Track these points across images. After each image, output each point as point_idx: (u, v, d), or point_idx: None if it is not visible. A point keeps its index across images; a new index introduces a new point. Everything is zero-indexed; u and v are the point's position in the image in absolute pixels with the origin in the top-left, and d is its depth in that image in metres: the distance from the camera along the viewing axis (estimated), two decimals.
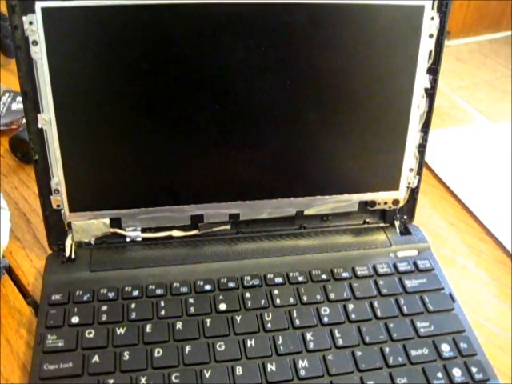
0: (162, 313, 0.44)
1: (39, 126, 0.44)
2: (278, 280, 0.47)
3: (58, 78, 0.42)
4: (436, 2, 0.46)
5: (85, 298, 0.44)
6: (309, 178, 0.50)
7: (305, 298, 0.45)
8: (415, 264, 0.49)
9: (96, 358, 0.40)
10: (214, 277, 0.47)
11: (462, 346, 0.43)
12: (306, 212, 0.51)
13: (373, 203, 0.52)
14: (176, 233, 0.50)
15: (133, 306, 0.44)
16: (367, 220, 0.53)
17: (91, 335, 0.42)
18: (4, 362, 0.42)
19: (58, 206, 0.46)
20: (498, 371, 0.42)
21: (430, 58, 0.47)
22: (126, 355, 0.41)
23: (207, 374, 0.40)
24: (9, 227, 0.50)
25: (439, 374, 0.41)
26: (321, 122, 0.47)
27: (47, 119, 0.43)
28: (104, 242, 0.49)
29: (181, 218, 0.49)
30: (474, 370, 0.41)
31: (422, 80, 0.47)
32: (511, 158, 0.65)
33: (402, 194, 0.52)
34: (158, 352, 0.41)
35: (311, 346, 0.42)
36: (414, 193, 0.52)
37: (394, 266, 0.49)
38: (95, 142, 0.45)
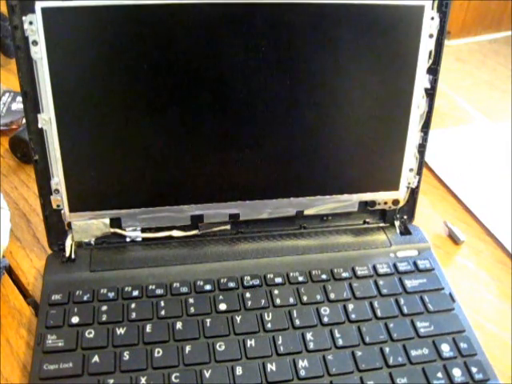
0: (162, 313, 0.44)
1: (39, 126, 0.44)
2: (278, 280, 0.47)
3: (58, 78, 0.42)
4: (436, 2, 0.46)
5: (85, 298, 0.44)
6: (309, 178, 0.50)
7: (305, 298, 0.45)
8: (415, 264, 0.49)
9: (96, 358, 0.40)
10: (214, 277, 0.47)
11: (462, 346, 0.43)
12: (306, 212, 0.51)
13: (373, 203, 0.52)
14: (176, 233, 0.50)
15: (133, 306, 0.44)
16: (367, 220, 0.53)
17: (91, 335, 0.42)
18: (4, 362, 0.42)
19: (58, 205, 0.46)
20: (497, 371, 0.42)
21: (430, 57, 0.47)
22: (126, 355, 0.41)
23: (207, 374, 0.40)
24: (9, 227, 0.50)
25: (439, 374, 0.41)
26: (321, 121, 0.47)
27: (47, 119, 0.43)
28: (104, 242, 0.49)
29: (181, 218, 0.49)
30: (474, 369, 0.41)
31: (421, 80, 0.47)
32: (511, 158, 0.65)
33: (402, 194, 0.52)
34: (158, 352, 0.41)
35: (311, 346, 0.42)
36: (414, 193, 0.52)
37: (394, 265, 0.49)
38: (95, 142, 0.45)
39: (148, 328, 0.42)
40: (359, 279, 0.47)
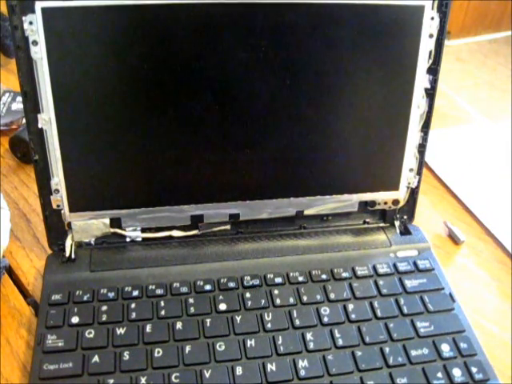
0: (162, 313, 0.44)
1: (39, 126, 0.44)
2: (278, 280, 0.47)
3: (58, 77, 0.42)
4: (436, 2, 0.46)
5: (85, 298, 0.44)
6: (309, 178, 0.50)
7: (305, 298, 0.45)
8: (415, 264, 0.49)
9: (96, 358, 0.40)
10: (214, 277, 0.47)
11: (462, 346, 0.43)
12: (306, 212, 0.51)
13: (373, 203, 0.52)
14: (176, 233, 0.50)
15: (133, 306, 0.44)
16: (367, 220, 0.53)
17: (91, 335, 0.42)
18: (4, 362, 0.42)
19: (58, 205, 0.46)
20: (498, 371, 0.42)
21: (430, 57, 0.47)
22: (126, 355, 0.41)
23: (207, 374, 0.40)
24: (9, 227, 0.50)
25: (439, 374, 0.41)
26: (321, 121, 0.47)
27: (47, 119, 0.43)
28: (104, 242, 0.49)
29: (181, 218, 0.49)
30: (474, 369, 0.41)
31: (422, 80, 0.47)
32: (511, 158, 0.65)
33: (402, 194, 0.52)
34: (158, 352, 0.41)
35: (311, 345, 0.42)
36: (414, 193, 0.52)
37: (394, 265, 0.49)
38: (95, 142, 0.45)
39: (148, 328, 0.42)
40: (359, 279, 0.47)
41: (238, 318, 0.43)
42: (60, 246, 0.48)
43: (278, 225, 0.52)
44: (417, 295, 0.46)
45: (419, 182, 0.51)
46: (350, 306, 0.45)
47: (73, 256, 0.48)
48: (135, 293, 0.45)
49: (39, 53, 0.41)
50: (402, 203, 0.52)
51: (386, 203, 0.52)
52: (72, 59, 0.42)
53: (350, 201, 0.51)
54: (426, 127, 0.49)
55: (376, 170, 0.50)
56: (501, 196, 0.60)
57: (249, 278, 0.47)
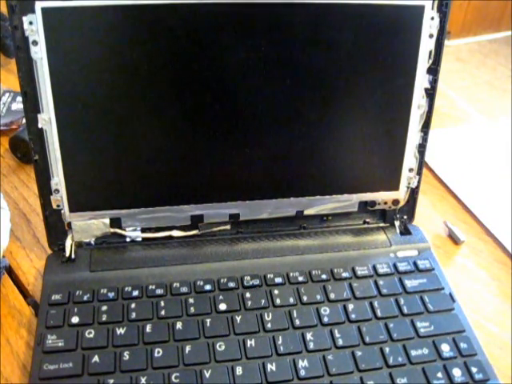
0: (162, 313, 0.44)
1: (39, 126, 0.44)
2: (278, 280, 0.47)
3: (58, 77, 0.42)
4: (436, 2, 0.46)
5: (85, 298, 0.44)
6: (309, 177, 0.50)
7: (305, 298, 0.45)
8: (415, 264, 0.49)
9: (96, 358, 0.40)
10: (214, 277, 0.47)
11: (462, 346, 0.43)
12: (306, 212, 0.51)
13: (373, 203, 0.52)
14: (176, 233, 0.50)
15: (133, 306, 0.44)
16: (367, 220, 0.53)
17: (91, 335, 0.42)
18: (4, 362, 0.42)
19: (58, 206, 0.46)
20: (498, 371, 0.42)
21: (430, 57, 0.47)
22: (126, 355, 0.41)
23: (207, 374, 0.40)
24: (9, 227, 0.50)
25: (439, 374, 0.41)
26: (321, 121, 0.47)
27: (47, 119, 0.43)
28: (104, 242, 0.49)
29: (181, 218, 0.49)
30: (474, 370, 0.41)
31: (421, 80, 0.47)
32: (511, 158, 0.65)
33: (402, 194, 0.52)
34: (158, 352, 0.41)
35: (311, 345, 0.42)
36: (414, 193, 0.52)
37: (394, 265, 0.49)
38: (95, 142, 0.45)
39: (148, 328, 0.42)
40: (359, 279, 0.47)
41: (238, 318, 0.43)
42: (60, 245, 0.48)
43: (278, 225, 0.52)
44: (417, 295, 0.46)
45: (419, 182, 0.51)
46: (350, 306, 0.45)
47: (73, 256, 0.48)
48: (135, 293, 0.45)
49: (39, 53, 0.41)
50: (402, 203, 0.52)
51: (385, 203, 0.52)
52: (72, 59, 0.42)
53: (349, 201, 0.51)
54: (426, 127, 0.49)
55: (376, 169, 0.50)
56: (501, 196, 0.60)
57: (249, 277, 0.47)
